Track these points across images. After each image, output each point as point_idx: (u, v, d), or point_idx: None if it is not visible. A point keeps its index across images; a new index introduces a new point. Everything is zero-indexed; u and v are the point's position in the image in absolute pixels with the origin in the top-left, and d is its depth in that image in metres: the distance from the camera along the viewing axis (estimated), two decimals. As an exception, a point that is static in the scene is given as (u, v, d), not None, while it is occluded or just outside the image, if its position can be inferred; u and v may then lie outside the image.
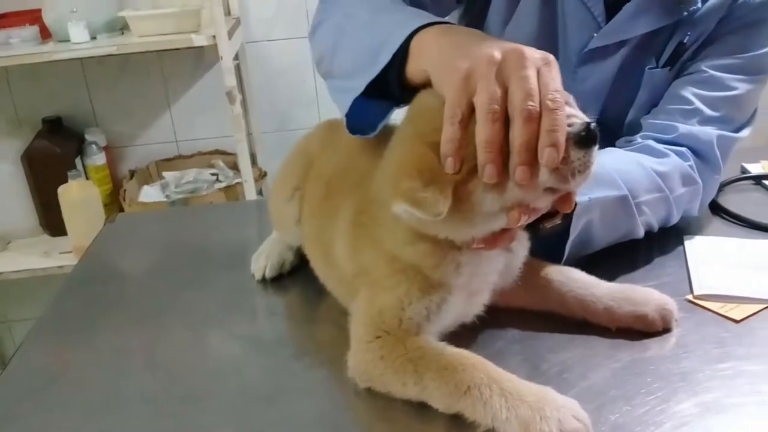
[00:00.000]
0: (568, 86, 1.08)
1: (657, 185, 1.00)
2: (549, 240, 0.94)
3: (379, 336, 0.78)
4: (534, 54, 0.70)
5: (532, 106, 0.67)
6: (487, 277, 0.83)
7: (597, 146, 0.71)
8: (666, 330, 0.85)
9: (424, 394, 0.74)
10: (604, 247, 1.00)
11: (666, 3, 1.04)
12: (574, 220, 0.91)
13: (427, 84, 0.78)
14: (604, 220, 0.95)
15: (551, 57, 0.71)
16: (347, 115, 0.88)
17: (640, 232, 1.01)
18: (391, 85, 0.86)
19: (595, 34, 1.07)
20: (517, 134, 0.67)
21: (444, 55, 0.75)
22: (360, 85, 0.86)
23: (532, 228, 0.93)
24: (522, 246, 0.87)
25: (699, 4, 1.03)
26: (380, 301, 0.80)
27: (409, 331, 0.78)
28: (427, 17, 0.85)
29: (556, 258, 0.93)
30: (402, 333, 0.78)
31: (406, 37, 0.82)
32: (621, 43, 1.08)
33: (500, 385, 0.70)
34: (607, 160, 0.99)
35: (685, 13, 1.04)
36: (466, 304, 0.83)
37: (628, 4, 1.05)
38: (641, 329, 0.85)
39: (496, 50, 0.70)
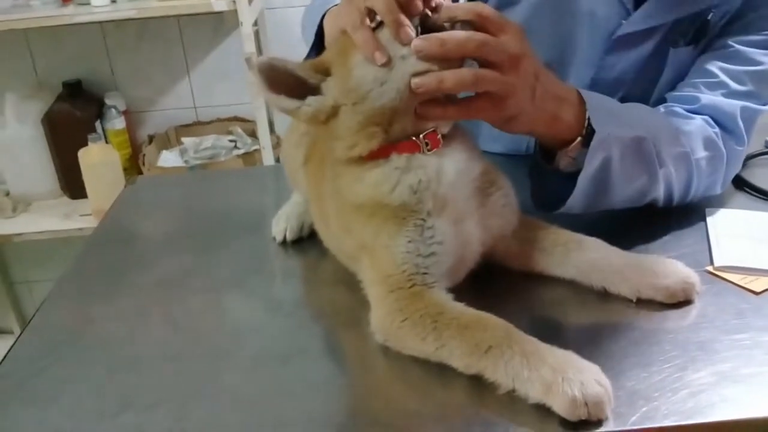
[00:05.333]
0: (595, 75, 1.08)
1: (679, 141, 0.98)
2: (567, 185, 0.93)
3: (392, 291, 0.80)
4: None
5: None
6: (455, 200, 0.83)
7: None
8: (687, 302, 0.85)
9: (443, 351, 0.75)
10: (622, 203, 0.98)
11: None
12: (590, 152, 0.89)
13: None
14: (623, 162, 0.93)
15: None
16: None
17: (659, 191, 0.99)
18: None
19: (624, 21, 1.05)
20: None
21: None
22: None
23: (549, 161, 0.94)
24: (501, 191, 0.88)
25: None
26: (378, 260, 0.82)
27: (415, 279, 0.80)
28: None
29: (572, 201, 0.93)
30: (411, 284, 0.79)
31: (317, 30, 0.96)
32: (652, 29, 1.06)
33: (522, 347, 0.70)
34: (633, 108, 0.98)
35: None
36: (454, 234, 0.83)
37: None
38: (662, 301, 0.84)
39: None
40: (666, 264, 0.86)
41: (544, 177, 0.96)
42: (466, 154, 0.84)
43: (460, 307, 0.78)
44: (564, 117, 0.89)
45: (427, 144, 0.82)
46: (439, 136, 0.83)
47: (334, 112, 0.83)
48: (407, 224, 0.81)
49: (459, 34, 0.77)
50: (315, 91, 0.83)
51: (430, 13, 0.78)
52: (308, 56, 1.02)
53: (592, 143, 0.89)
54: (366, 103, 0.81)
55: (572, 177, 0.92)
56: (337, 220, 0.89)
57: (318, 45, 1.00)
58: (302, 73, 0.83)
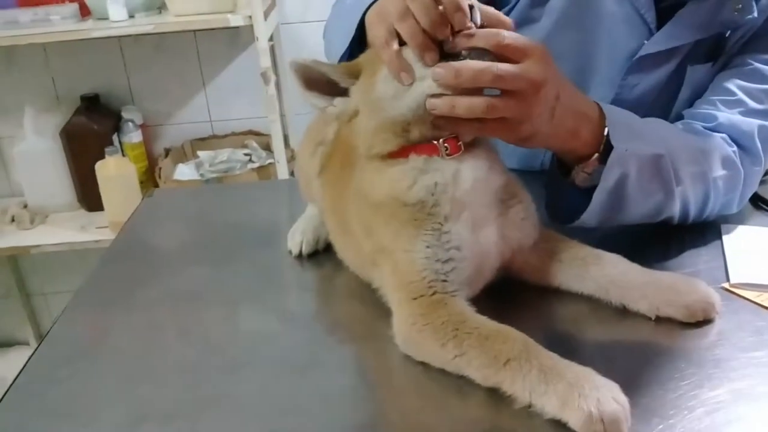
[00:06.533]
0: (616, 96, 1.09)
1: (697, 159, 0.97)
2: (583, 199, 0.93)
3: (414, 298, 0.80)
4: None
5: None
6: (473, 207, 0.83)
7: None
8: (706, 321, 0.84)
9: (461, 360, 0.75)
10: (637, 219, 0.97)
11: (720, 10, 1.01)
12: (607, 168, 0.89)
13: None
14: (640, 179, 0.92)
15: None
16: None
17: (675, 209, 0.98)
18: None
19: (646, 41, 1.06)
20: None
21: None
22: None
23: (566, 174, 0.94)
24: (522, 204, 0.89)
25: (755, 13, 1.02)
26: (399, 266, 0.83)
27: (435, 286, 0.80)
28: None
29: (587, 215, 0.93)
30: (432, 292, 0.80)
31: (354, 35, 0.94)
32: (674, 49, 1.06)
33: (540, 361, 0.70)
34: (652, 124, 0.98)
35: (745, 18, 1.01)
36: (472, 241, 0.83)
37: (682, 10, 1.03)
38: (681, 319, 0.83)
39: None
40: (686, 282, 0.85)
41: (559, 190, 0.96)
42: (487, 164, 0.85)
43: (482, 318, 0.78)
44: (582, 133, 0.89)
45: (446, 148, 0.83)
46: (460, 143, 0.83)
47: (356, 114, 0.87)
48: (425, 228, 0.82)
49: (475, 65, 0.77)
50: (345, 92, 0.87)
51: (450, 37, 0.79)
52: (345, 53, 0.99)
53: (609, 159, 0.88)
54: (380, 113, 0.83)
55: (588, 191, 0.92)
56: (358, 222, 0.90)
57: (358, 40, 0.96)
58: (334, 76, 0.86)
